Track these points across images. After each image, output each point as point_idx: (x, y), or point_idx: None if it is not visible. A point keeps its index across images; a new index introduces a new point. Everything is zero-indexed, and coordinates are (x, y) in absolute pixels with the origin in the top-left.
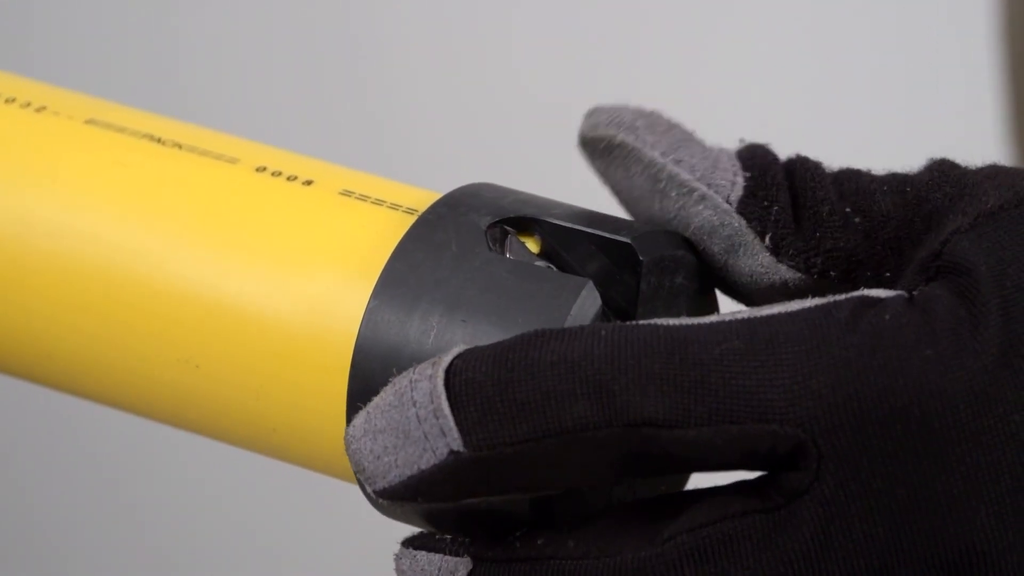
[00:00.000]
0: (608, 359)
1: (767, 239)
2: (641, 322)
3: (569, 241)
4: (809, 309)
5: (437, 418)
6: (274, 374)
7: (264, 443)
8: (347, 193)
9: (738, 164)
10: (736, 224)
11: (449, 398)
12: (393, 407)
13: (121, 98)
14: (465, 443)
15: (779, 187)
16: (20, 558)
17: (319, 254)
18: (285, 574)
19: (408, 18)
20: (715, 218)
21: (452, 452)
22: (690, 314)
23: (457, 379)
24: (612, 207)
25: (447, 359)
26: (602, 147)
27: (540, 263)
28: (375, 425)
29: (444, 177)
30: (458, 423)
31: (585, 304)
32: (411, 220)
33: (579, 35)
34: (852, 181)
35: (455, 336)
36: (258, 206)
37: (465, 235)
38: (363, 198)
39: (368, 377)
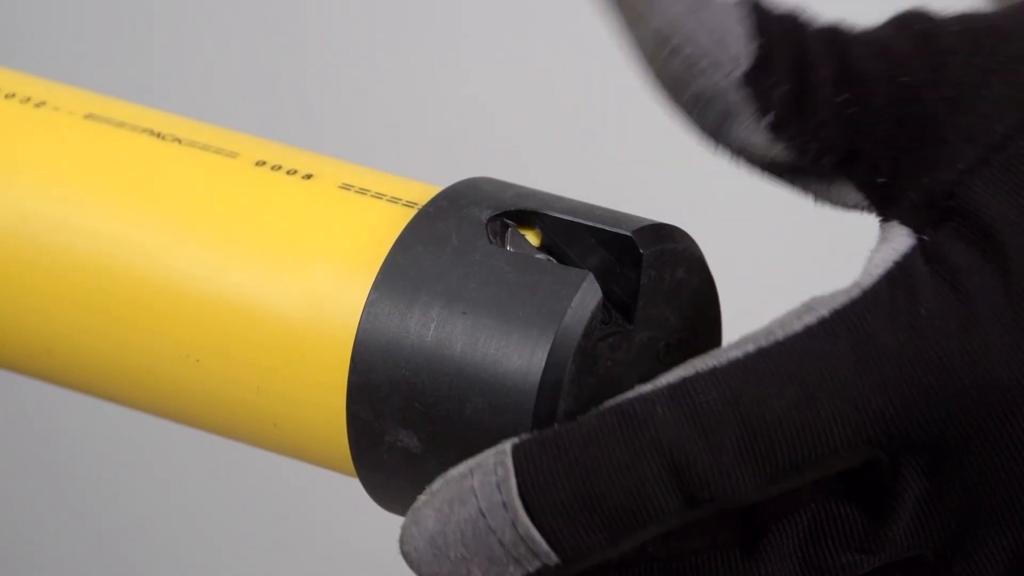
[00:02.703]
0: (680, 445)
1: (766, 118)
2: (686, 375)
3: (569, 235)
4: (846, 313)
5: (526, 542)
6: (274, 368)
7: (265, 438)
8: (347, 187)
9: (752, 27)
10: (736, 99)
11: (531, 518)
12: (468, 534)
13: (121, 93)
14: (561, 558)
15: (786, 63)
16: (16, 558)
17: (319, 248)
18: (285, 568)
19: (410, 13)
20: (716, 88)
21: (545, 565)
22: (691, 307)
23: (536, 499)
24: (613, 202)
25: (512, 479)
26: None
27: (540, 256)
28: (451, 554)
29: (444, 171)
30: (550, 544)
31: (585, 297)
32: (411, 213)
33: (579, 31)
34: (846, 55)
35: (455, 328)
36: (258, 200)
37: (466, 228)
38: (363, 192)
39: (369, 370)
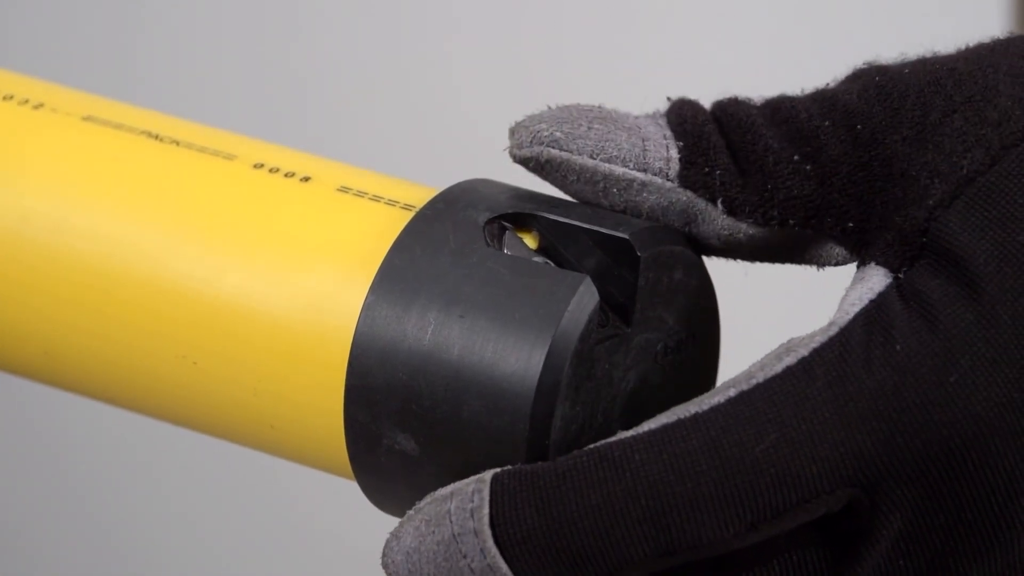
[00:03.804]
0: (657, 491)
1: (719, 204)
2: (668, 423)
3: (567, 237)
4: (823, 352)
5: (493, 571)
6: (272, 370)
7: (262, 440)
8: (344, 189)
9: (670, 134)
10: (684, 198)
11: (502, 554)
12: (440, 556)
13: (119, 95)
14: None
15: (715, 149)
16: (16, 558)
17: (317, 250)
18: (284, 568)
19: (407, 15)
20: (662, 200)
21: None
22: (689, 309)
23: (506, 531)
24: None
25: (485, 508)
26: (532, 165)
27: (537, 259)
28: (424, 571)
29: (442, 173)
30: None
31: (583, 299)
32: (409, 216)
33: (578, 31)
34: (791, 121)
35: (452, 331)
36: (256, 202)
37: (463, 231)
38: (361, 194)
39: (366, 373)
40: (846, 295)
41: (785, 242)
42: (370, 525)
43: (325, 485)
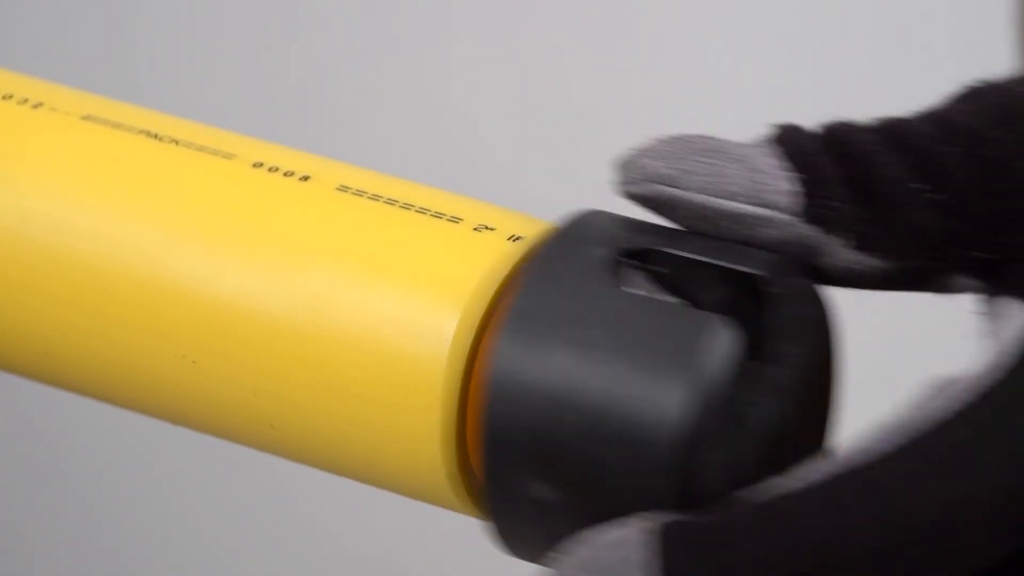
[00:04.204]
0: (827, 545)
1: (843, 238)
2: (832, 472)
3: (689, 271)
4: (994, 397)
5: None
6: (270, 370)
7: (261, 439)
8: (344, 189)
9: (782, 165)
10: (802, 232)
11: None
12: None
13: (118, 95)
14: None
15: (834, 180)
16: (16, 558)
17: (314, 250)
18: (283, 571)
19: (406, 16)
20: (779, 233)
21: None
22: (814, 340)
23: None
24: (608, 205)
25: (655, 561)
26: (644, 203)
27: (665, 297)
28: None
29: (442, 174)
30: None
31: (719, 340)
32: (406, 215)
33: (579, 33)
34: (911, 148)
35: (585, 376)
36: (255, 202)
37: (585, 269)
38: (360, 194)
39: (505, 417)
40: (997, 334)
41: (910, 272)
42: (370, 525)
43: (325, 485)
